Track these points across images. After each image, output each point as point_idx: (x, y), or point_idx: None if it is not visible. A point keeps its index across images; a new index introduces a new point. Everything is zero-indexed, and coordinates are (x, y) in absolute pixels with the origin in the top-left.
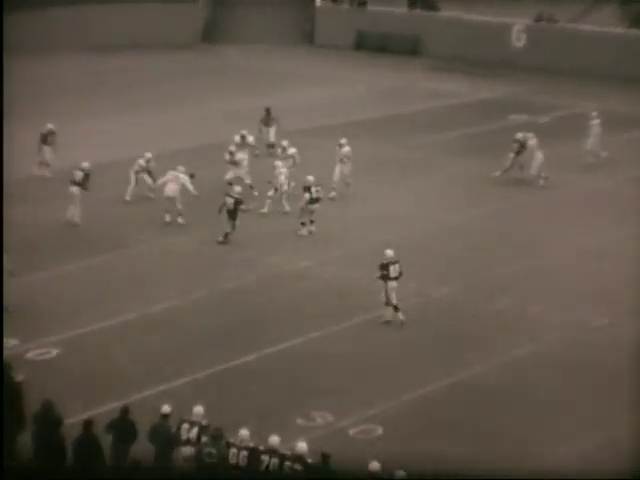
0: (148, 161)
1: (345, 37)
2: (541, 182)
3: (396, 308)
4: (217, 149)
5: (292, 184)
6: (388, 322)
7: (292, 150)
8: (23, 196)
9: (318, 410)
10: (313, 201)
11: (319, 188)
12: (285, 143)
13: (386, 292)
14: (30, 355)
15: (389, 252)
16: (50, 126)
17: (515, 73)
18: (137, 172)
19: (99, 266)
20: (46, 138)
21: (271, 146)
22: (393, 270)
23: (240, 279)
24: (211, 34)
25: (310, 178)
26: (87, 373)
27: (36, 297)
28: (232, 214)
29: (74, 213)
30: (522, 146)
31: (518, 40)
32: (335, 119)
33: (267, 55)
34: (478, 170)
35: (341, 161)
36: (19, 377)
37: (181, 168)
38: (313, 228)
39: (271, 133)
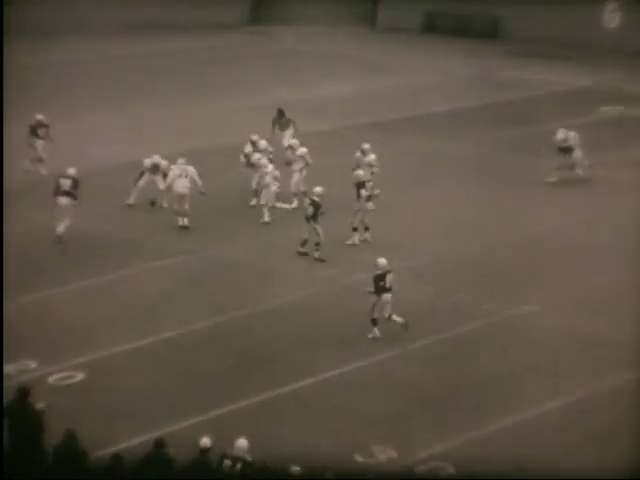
0: (155, 163)
1: (411, 19)
2: (580, 172)
3: (389, 319)
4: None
5: (276, 184)
6: (375, 338)
7: (302, 150)
8: (31, 201)
9: (378, 444)
10: (369, 198)
11: (372, 184)
12: (294, 142)
13: (374, 306)
14: (52, 379)
15: (382, 261)
16: (40, 117)
17: (607, 58)
18: (141, 174)
19: (125, 280)
20: (36, 131)
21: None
22: (389, 281)
23: (290, 294)
24: (259, 14)
25: (360, 172)
26: (116, 400)
27: (55, 315)
28: (313, 219)
29: (63, 228)
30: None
31: (611, 21)
32: (398, 112)
33: (323, 39)
34: (560, 172)
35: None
36: (39, 404)
37: (182, 160)
38: (368, 236)
39: (286, 137)
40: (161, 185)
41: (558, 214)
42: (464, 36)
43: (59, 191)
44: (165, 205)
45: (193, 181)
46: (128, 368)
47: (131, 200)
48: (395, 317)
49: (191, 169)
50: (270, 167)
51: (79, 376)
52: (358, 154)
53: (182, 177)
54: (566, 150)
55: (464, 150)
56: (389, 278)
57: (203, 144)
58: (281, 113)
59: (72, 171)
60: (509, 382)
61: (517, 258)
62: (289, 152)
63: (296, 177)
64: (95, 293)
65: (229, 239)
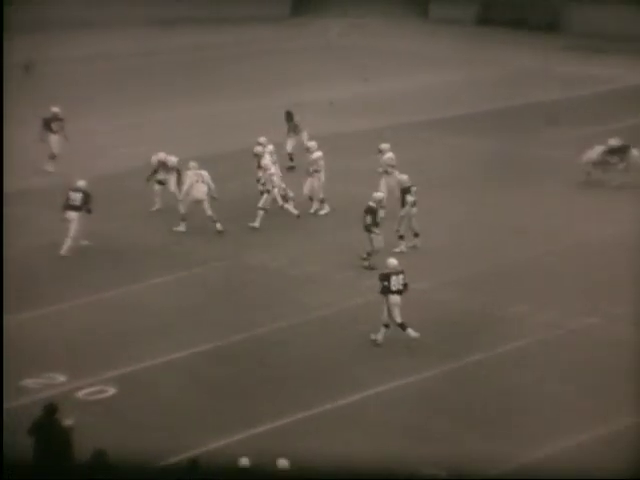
0: (162, 160)
1: (466, 9)
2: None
3: (402, 326)
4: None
5: (281, 186)
6: (377, 344)
7: (317, 154)
8: (51, 204)
9: (431, 465)
10: (414, 204)
11: (416, 189)
12: (312, 144)
13: (388, 309)
14: (81, 394)
15: (392, 261)
16: (55, 110)
17: None
18: (153, 173)
19: (156, 290)
20: (50, 124)
21: (291, 158)
22: (395, 282)
23: (337, 305)
24: (303, 5)
25: (404, 177)
26: (149, 416)
27: (84, 326)
28: (371, 228)
29: (66, 248)
30: (621, 151)
31: None
32: (452, 110)
33: (371, 31)
34: (622, 176)
35: (385, 172)
36: (68, 421)
37: (194, 164)
38: (418, 242)
39: (289, 143)
40: (172, 187)
41: (623, 219)
42: (522, 28)
43: (68, 205)
44: (182, 211)
45: (208, 185)
46: (161, 382)
47: (157, 206)
48: (410, 330)
49: (205, 173)
50: (274, 169)
51: (110, 391)
52: (378, 155)
53: (199, 182)
54: (620, 151)
55: (520, 151)
56: (396, 279)
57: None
58: (289, 116)
59: (82, 184)
60: (558, 405)
61: (573, 266)
62: (310, 155)
63: (314, 182)
64: (125, 303)
65: (261, 245)
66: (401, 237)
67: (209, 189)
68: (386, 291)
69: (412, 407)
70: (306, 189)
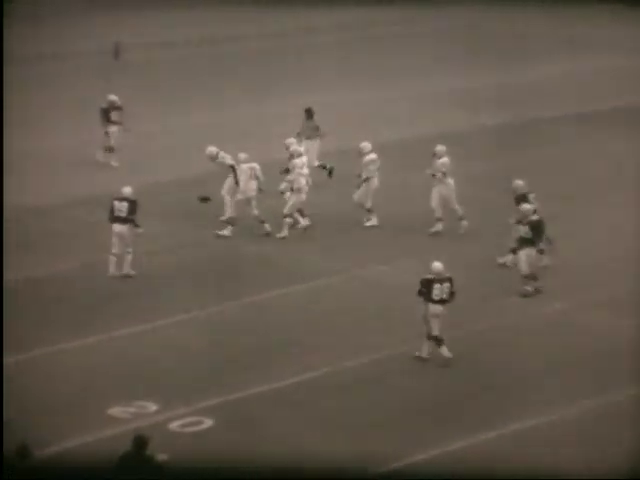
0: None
1: None
2: None
3: (438, 340)
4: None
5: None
6: (420, 358)
7: (371, 156)
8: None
9: None
10: (534, 212)
11: (534, 196)
12: (365, 145)
13: (426, 318)
14: (174, 426)
15: (437, 265)
16: (112, 98)
17: None
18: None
19: (263, 306)
20: (108, 114)
21: (323, 167)
22: (438, 290)
23: (498, 329)
24: None
25: (519, 183)
26: (250, 451)
27: (178, 348)
28: (533, 243)
29: (124, 266)
30: None
31: None
32: (598, 101)
33: (505, 14)
34: None
35: (440, 180)
36: (160, 456)
37: (245, 156)
38: (547, 261)
39: (311, 151)
40: (228, 187)
41: None
42: None
43: (113, 216)
44: (231, 213)
45: (258, 180)
46: (265, 414)
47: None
48: (445, 349)
49: (257, 166)
50: (306, 170)
51: (207, 422)
52: (433, 158)
53: (252, 179)
54: None
55: None
56: (439, 288)
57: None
58: (310, 114)
59: (127, 191)
60: None
61: None
62: (365, 157)
63: (304, 180)
64: (225, 322)
65: (379, 257)
66: (513, 251)
67: (259, 183)
68: (426, 298)
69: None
70: (357, 196)
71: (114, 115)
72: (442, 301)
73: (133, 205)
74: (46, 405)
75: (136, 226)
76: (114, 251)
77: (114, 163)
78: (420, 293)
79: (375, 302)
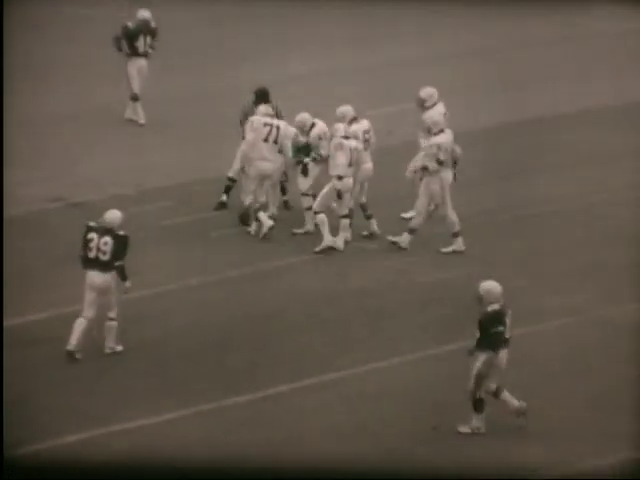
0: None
1: None
2: None
3: (499, 395)
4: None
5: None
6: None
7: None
8: None
9: None
10: None
11: None
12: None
13: (480, 377)
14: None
15: (491, 286)
16: (145, 15)
17: None
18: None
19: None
20: (134, 41)
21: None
22: (509, 324)
23: None
24: None
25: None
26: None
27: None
28: None
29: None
30: None
31: None
32: None
33: None
34: None
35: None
36: None
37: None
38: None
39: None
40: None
41: None
42: None
43: (88, 259)
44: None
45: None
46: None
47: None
48: (509, 397)
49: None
50: (370, 163)
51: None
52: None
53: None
54: None
55: None
56: (509, 320)
57: None
58: (262, 95)
59: (113, 218)
60: None
61: None
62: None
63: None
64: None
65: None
66: None
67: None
68: (499, 344)
69: None
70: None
71: (142, 42)
72: (508, 341)
73: (121, 242)
74: None
75: (123, 278)
76: (85, 314)
77: (142, 121)
78: (487, 339)
79: None
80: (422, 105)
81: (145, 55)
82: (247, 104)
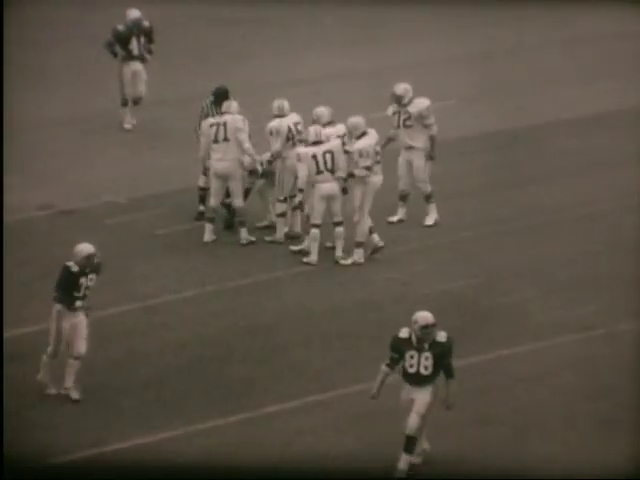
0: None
1: None
2: None
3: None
4: None
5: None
6: None
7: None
8: None
9: None
10: None
11: None
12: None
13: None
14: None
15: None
16: (135, 14)
17: None
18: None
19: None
20: (126, 44)
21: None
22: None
23: None
24: None
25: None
26: None
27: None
28: None
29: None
30: None
31: None
32: None
33: None
34: None
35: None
36: None
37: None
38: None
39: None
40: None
41: None
42: None
43: (73, 297)
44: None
45: None
46: None
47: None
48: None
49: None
50: (380, 176)
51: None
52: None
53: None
54: None
55: None
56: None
57: None
58: (221, 95)
59: (83, 250)
60: None
61: None
62: None
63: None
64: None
65: None
66: None
67: None
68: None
69: None
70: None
71: (136, 44)
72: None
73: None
74: None
75: (86, 312)
76: (50, 350)
77: (127, 125)
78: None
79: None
80: (399, 102)
81: (141, 58)
82: (205, 105)
